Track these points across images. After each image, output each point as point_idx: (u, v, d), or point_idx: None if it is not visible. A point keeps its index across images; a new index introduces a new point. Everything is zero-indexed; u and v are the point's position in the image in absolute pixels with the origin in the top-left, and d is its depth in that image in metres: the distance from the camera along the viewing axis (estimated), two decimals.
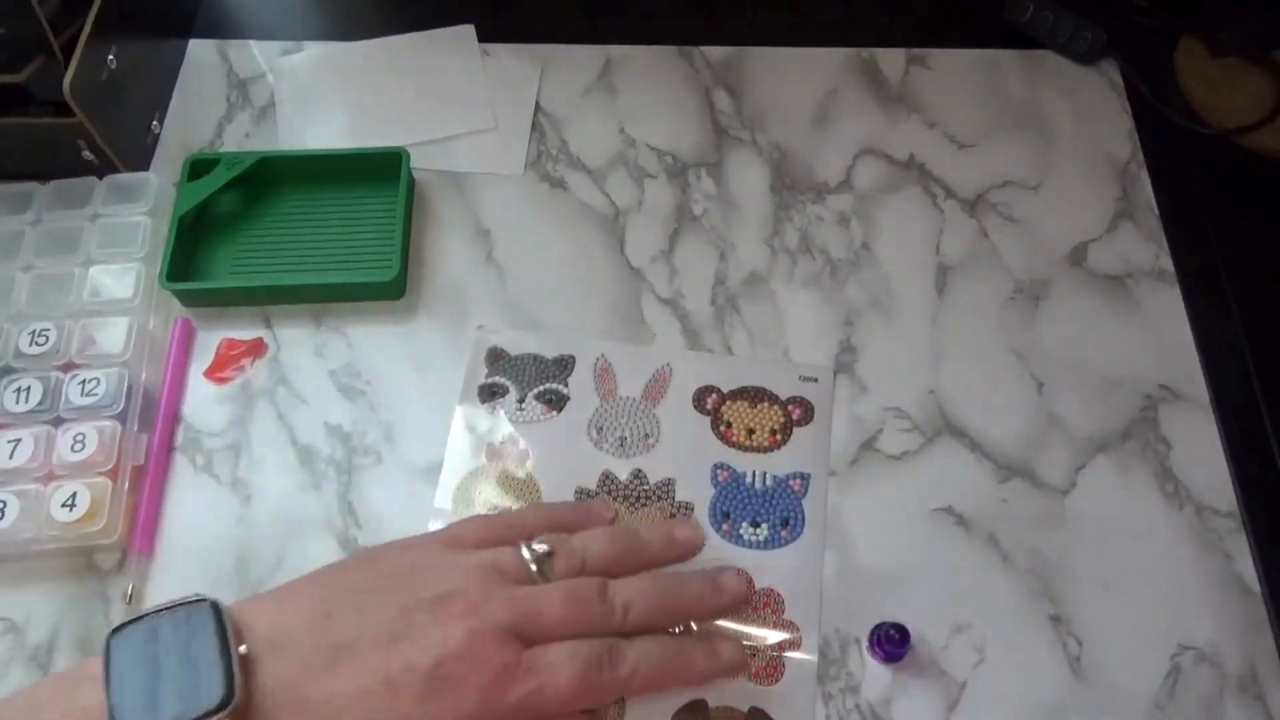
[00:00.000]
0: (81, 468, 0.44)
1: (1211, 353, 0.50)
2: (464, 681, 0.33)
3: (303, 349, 0.50)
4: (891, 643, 0.41)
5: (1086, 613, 0.44)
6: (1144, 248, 0.53)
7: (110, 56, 0.51)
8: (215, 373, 0.49)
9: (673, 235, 0.54)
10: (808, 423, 0.48)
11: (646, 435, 0.47)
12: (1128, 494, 0.47)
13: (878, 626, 0.42)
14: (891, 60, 0.60)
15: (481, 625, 0.34)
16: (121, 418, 0.46)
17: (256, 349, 0.50)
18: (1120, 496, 0.46)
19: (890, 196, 0.55)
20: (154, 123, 0.57)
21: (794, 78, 0.59)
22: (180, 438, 0.48)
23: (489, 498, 0.46)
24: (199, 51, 0.61)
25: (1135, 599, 0.44)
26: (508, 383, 0.49)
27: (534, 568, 0.37)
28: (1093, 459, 0.47)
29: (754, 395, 0.48)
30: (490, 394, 0.48)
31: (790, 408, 0.48)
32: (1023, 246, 0.53)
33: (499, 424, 0.48)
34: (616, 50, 0.60)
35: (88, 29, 0.49)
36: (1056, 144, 0.57)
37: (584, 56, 0.60)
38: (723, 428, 0.47)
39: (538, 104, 0.58)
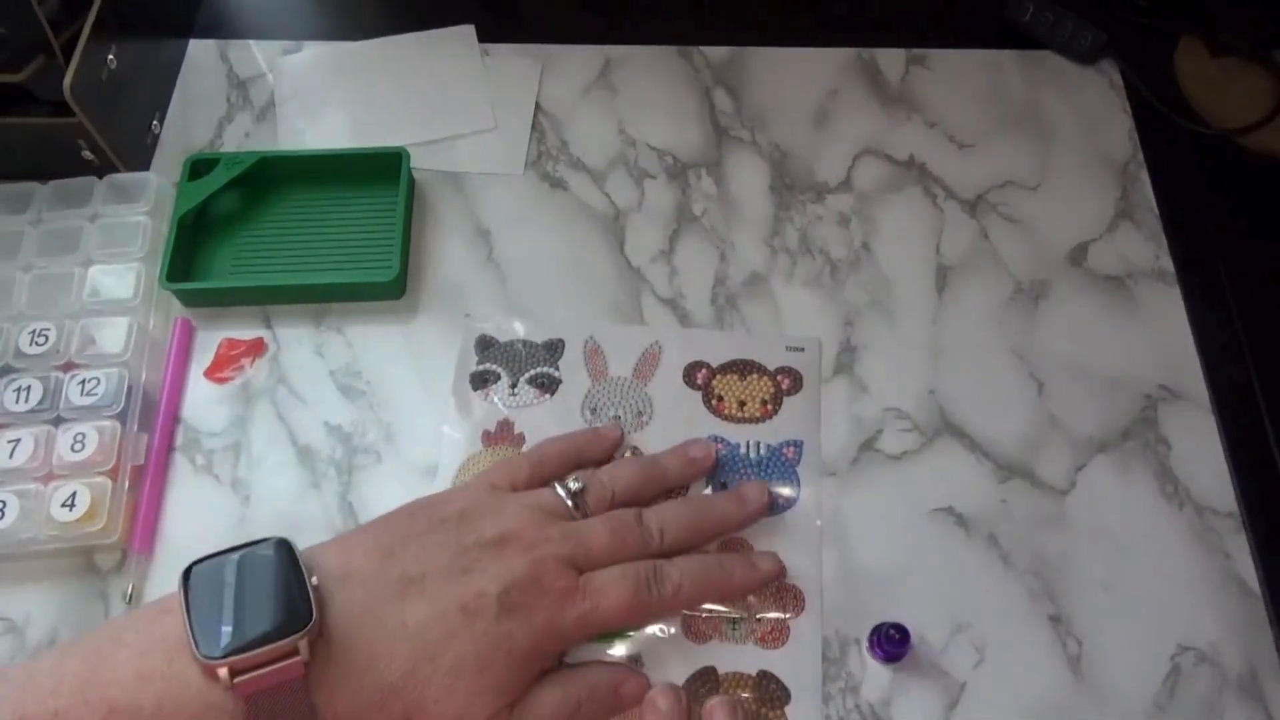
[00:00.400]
0: (81, 468, 0.44)
1: (1211, 353, 0.50)
2: (531, 605, 0.37)
3: (303, 349, 0.50)
4: (891, 643, 0.41)
5: (1086, 613, 0.44)
6: (1144, 248, 0.53)
7: (110, 56, 0.51)
8: (215, 373, 0.49)
9: (673, 235, 0.54)
10: (797, 391, 0.48)
11: (640, 413, 0.48)
12: (1128, 494, 0.47)
13: (878, 627, 0.42)
14: (891, 60, 0.60)
15: (541, 556, 0.38)
16: (121, 418, 0.46)
17: (256, 349, 0.50)
18: (1120, 496, 0.46)
19: (890, 196, 0.55)
20: (154, 123, 0.57)
21: (794, 78, 0.59)
22: (180, 438, 0.48)
23: None
24: (199, 51, 0.61)
25: (1135, 599, 0.44)
26: (499, 369, 0.49)
27: (570, 503, 0.41)
28: (1093, 459, 0.47)
29: (743, 368, 0.49)
30: (482, 381, 0.49)
31: (779, 378, 0.49)
32: (1023, 246, 0.53)
33: (493, 410, 0.48)
34: (616, 50, 0.60)
35: (88, 29, 0.49)
36: (1056, 144, 0.57)
37: (584, 56, 0.60)
38: (714, 401, 0.48)
39: (538, 104, 0.58)
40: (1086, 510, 0.46)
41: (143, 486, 0.46)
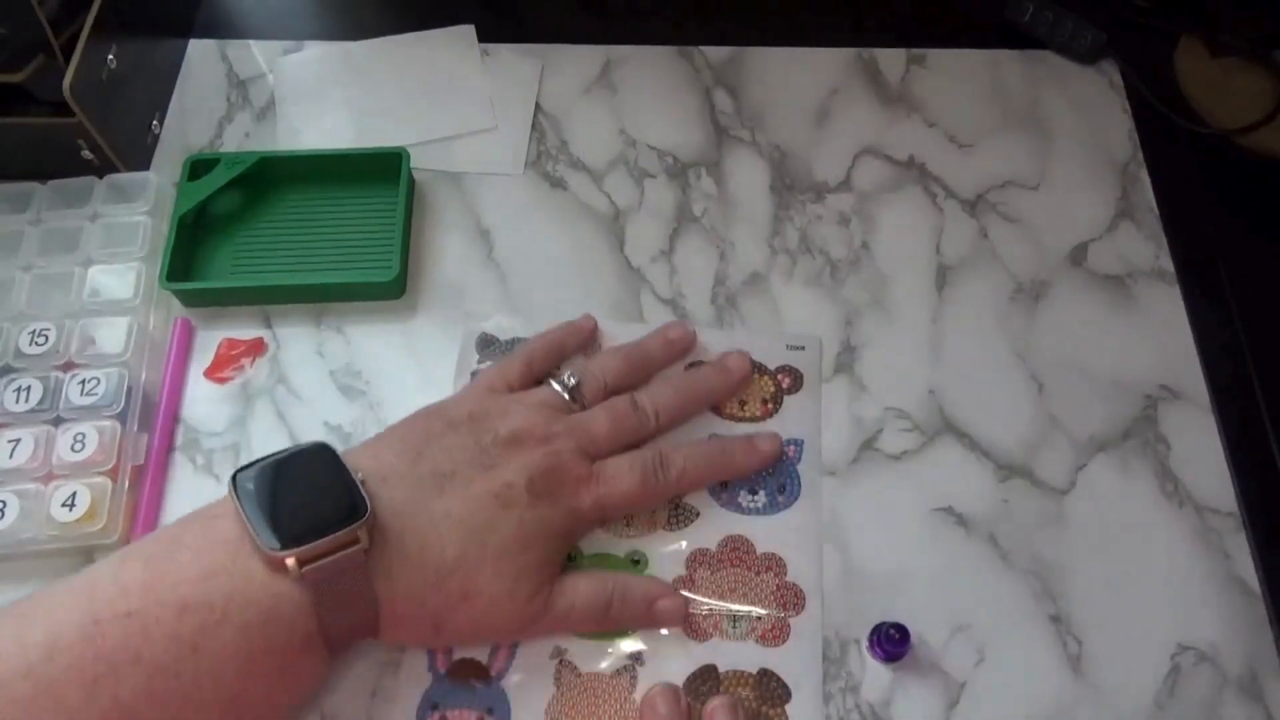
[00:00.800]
0: (81, 467, 0.44)
1: (1211, 353, 0.50)
2: (554, 492, 0.40)
3: (302, 349, 0.50)
4: (891, 643, 0.41)
5: (1086, 613, 0.44)
6: (1144, 248, 0.53)
7: (110, 56, 0.51)
8: (215, 372, 0.49)
9: (673, 235, 0.54)
10: (797, 390, 0.48)
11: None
12: (1128, 494, 0.47)
13: (878, 626, 0.42)
14: (891, 60, 0.60)
15: (556, 449, 0.41)
16: (121, 418, 0.46)
17: (256, 349, 0.50)
18: (1120, 496, 0.46)
19: (890, 196, 0.55)
20: (154, 123, 0.57)
21: (794, 78, 0.59)
22: (180, 437, 0.48)
23: None
24: (199, 51, 0.61)
25: (1135, 599, 0.44)
26: None
27: (568, 397, 0.44)
28: (1093, 459, 0.47)
29: None
30: None
31: (780, 376, 0.49)
32: (1023, 246, 0.53)
33: None
34: (616, 50, 0.60)
35: (88, 29, 0.49)
36: (1056, 144, 0.57)
37: (584, 56, 0.60)
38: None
39: (538, 104, 0.58)
40: (1086, 510, 0.46)
41: (143, 486, 0.46)
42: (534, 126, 0.57)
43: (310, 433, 0.48)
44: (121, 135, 0.53)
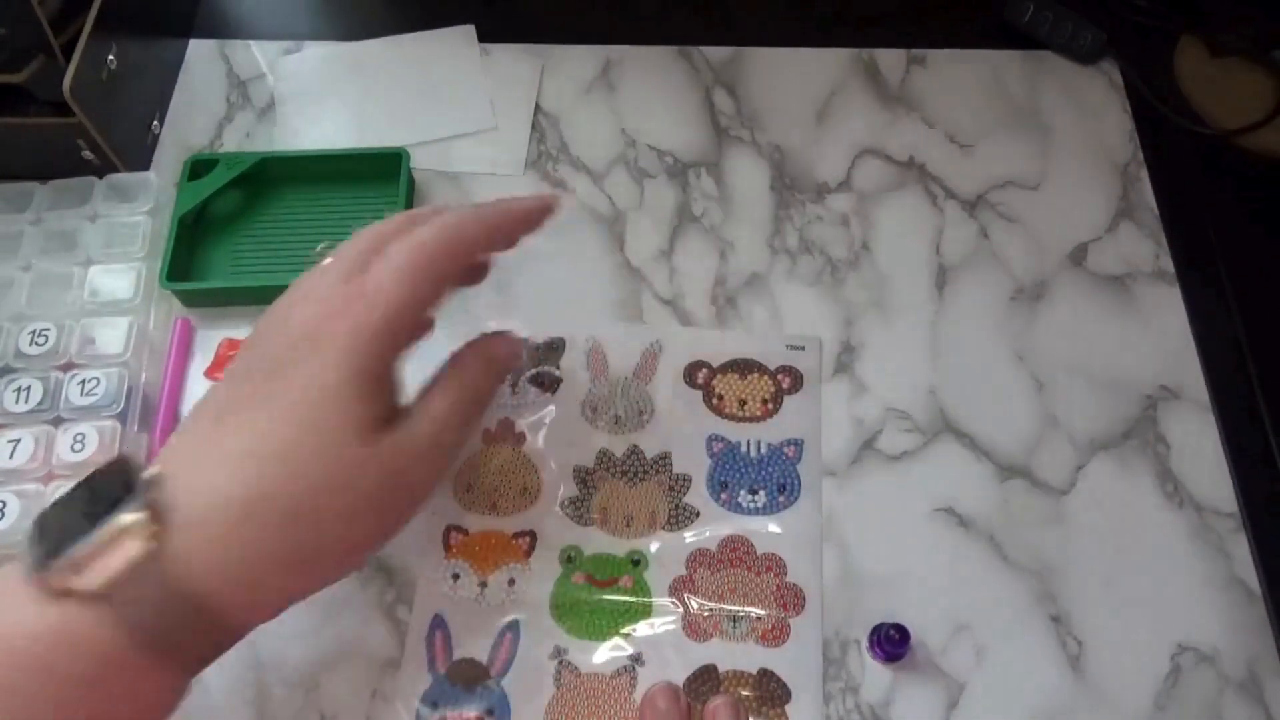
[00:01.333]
0: (81, 468, 0.44)
1: (1211, 353, 0.50)
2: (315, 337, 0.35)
3: None
4: (891, 643, 0.41)
5: (1086, 613, 0.44)
6: (1144, 248, 0.53)
7: (110, 56, 0.51)
8: (215, 372, 0.49)
9: (673, 235, 0.54)
10: (797, 390, 0.48)
11: (640, 412, 0.48)
12: (1128, 494, 0.47)
13: (878, 627, 0.42)
14: (891, 60, 0.60)
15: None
16: (121, 418, 0.46)
17: None
18: (1120, 496, 0.46)
19: (890, 196, 0.55)
20: (154, 123, 0.57)
21: (794, 78, 0.59)
22: None
23: (488, 481, 0.46)
24: (199, 51, 0.61)
25: (1135, 599, 0.44)
26: None
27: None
28: (1093, 459, 0.47)
29: (743, 367, 0.49)
30: None
31: (780, 377, 0.49)
32: (1023, 246, 0.53)
33: (493, 408, 0.48)
34: (616, 50, 0.60)
35: (88, 29, 0.49)
36: (1056, 144, 0.57)
37: (584, 56, 0.60)
38: (715, 400, 0.48)
39: (538, 104, 0.58)
40: (1086, 510, 0.46)
41: None
42: (534, 126, 0.57)
43: None
44: (121, 135, 0.53)
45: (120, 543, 0.30)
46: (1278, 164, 0.56)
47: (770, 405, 0.48)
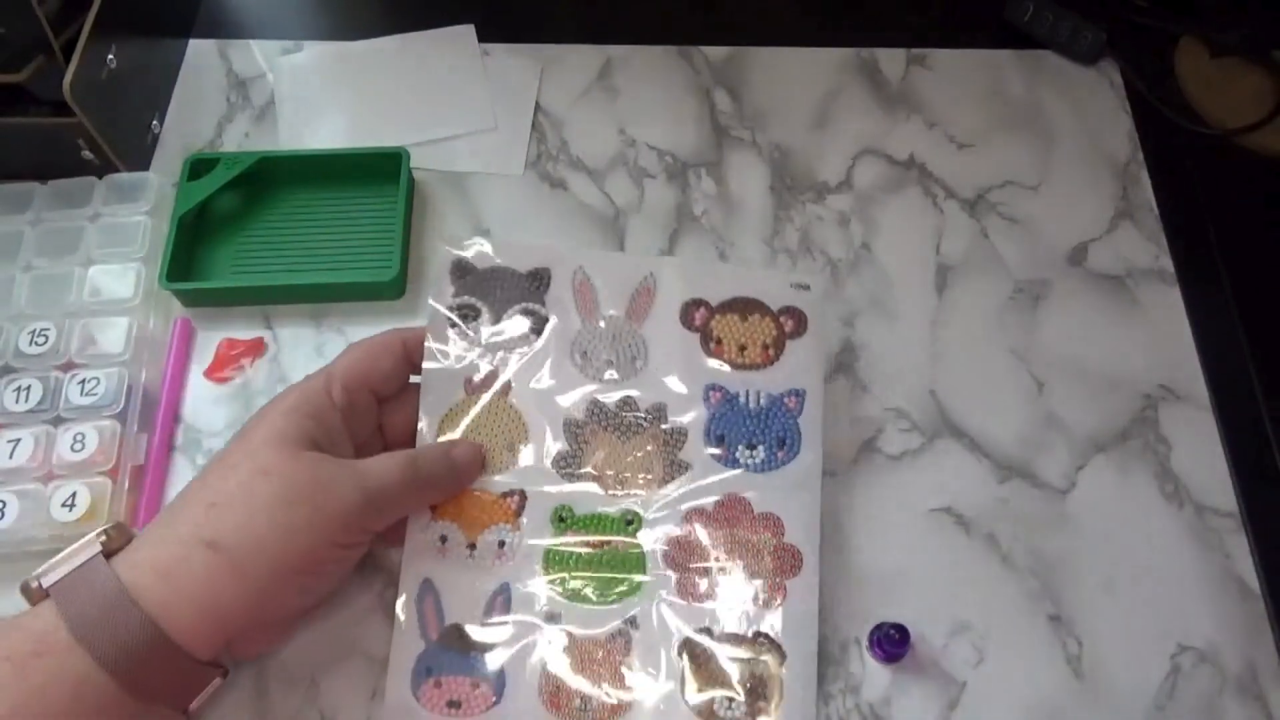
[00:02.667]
0: (81, 467, 0.44)
1: (1211, 353, 0.50)
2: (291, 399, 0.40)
3: (302, 349, 0.50)
4: (891, 643, 0.41)
5: (1086, 613, 0.44)
6: (1144, 248, 0.53)
7: (110, 56, 0.51)
8: (215, 372, 0.49)
9: (673, 235, 0.54)
10: (801, 334, 0.45)
11: (634, 358, 0.45)
12: (1128, 494, 0.47)
13: (877, 627, 0.42)
14: (891, 60, 0.60)
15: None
16: (121, 417, 0.46)
17: (256, 349, 0.50)
18: (1120, 496, 0.46)
19: (890, 196, 0.55)
20: (154, 123, 0.57)
21: (794, 78, 0.59)
22: (180, 437, 0.48)
23: (473, 436, 0.43)
24: (199, 51, 0.61)
25: (1135, 599, 0.44)
26: (478, 303, 0.45)
27: None
28: (1093, 459, 0.47)
29: (744, 307, 0.46)
30: (461, 317, 0.45)
31: (782, 319, 0.45)
32: (1023, 246, 0.53)
33: (474, 352, 0.44)
34: (616, 50, 0.60)
35: (88, 29, 0.49)
36: (1056, 144, 0.57)
37: (584, 56, 0.60)
38: (713, 344, 0.45)
39: (538, 104, 0.58)
40: (1086, 510, 0.46)
41: (143, 486, 0.46)
42: (534, 126, 0.57)
43: None
44: (121, 135, 0.53)
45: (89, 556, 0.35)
46: (1278, 164, 0.56)
47: (771, 351, 0.45)
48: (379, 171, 0.54)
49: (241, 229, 0.53)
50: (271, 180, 0.54)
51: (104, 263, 0.50)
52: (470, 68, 0.59)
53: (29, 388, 0.46)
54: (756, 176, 0.56)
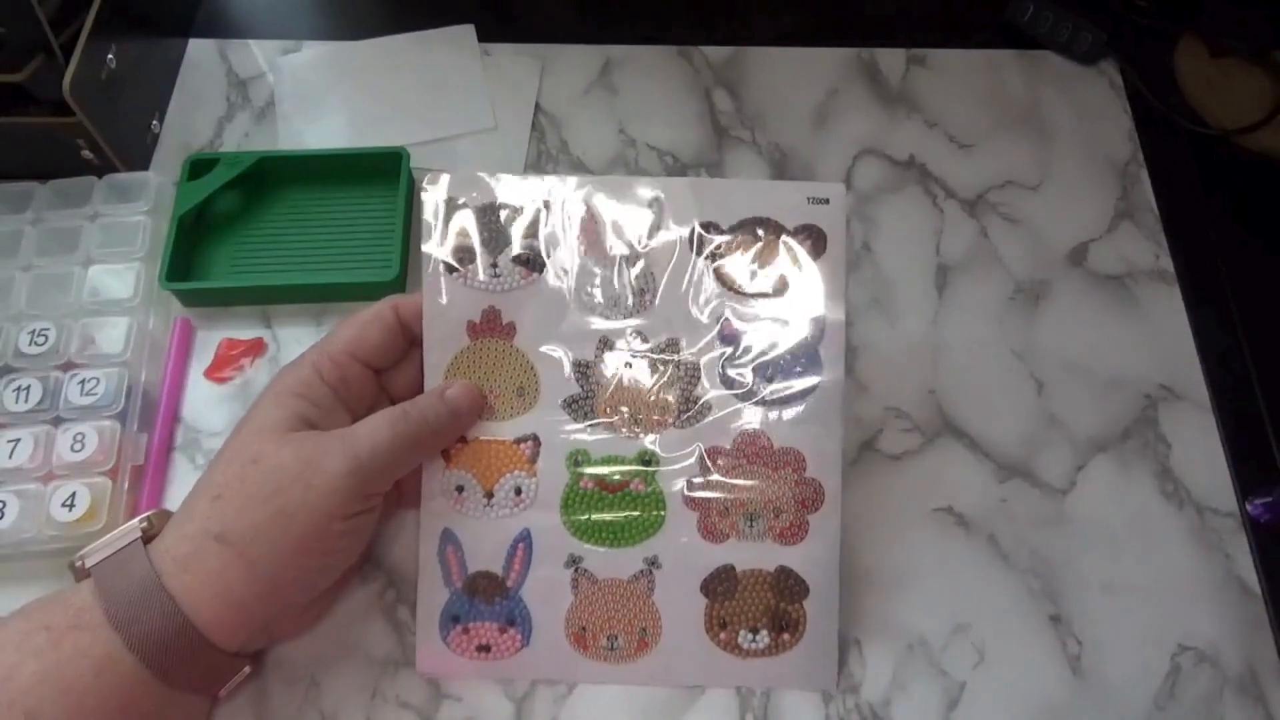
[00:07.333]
0: (81, 467, 0.44)
1: (1211, 353, 0.50)
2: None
3: (302, 349, 0.50)
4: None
5: (1086, 613, 0.44)
6: (1144, 248, 0.53)
7: (110, 56, 0.51)
8: (215, 372, 0.49)
9: None
10: (820, 255, 0.42)
11: (642, 291, 0.43)
12: (1128, 494, 0.47)
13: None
14: (891, 60, 0.60)
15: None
16: (121, 417, 0.46)
17: (256, 348, 0.50)
18: (1120, 496, 0.46)
19: (890, 196, 0.55)
20: (154, 122, 0.57)
21: (794, 78, 0.59)
22: (180, 437, 0.48)
23: (481, 382, 0.42)
24: (199, 51, 0.61)
25: (1135, 599, 0.44)
26: (474, 244, 0.43)
27: None
28: (1093, 459, 0.47)
29: (757, 227, 0.43)
30: (456, 261, 0.42)
31: (800, 238, 0.42)
32: (1023, 246, 0.53)
33: (473, 295, 0.42)
34: (616, 50, 0.60)
35: (88, 29, 0.49)
36: (1056, 144, 0.57)
37: (584, 56, 0.60)
38: (725, 271, 0.43)
39: (538, 104, 0.58)
40: (1086, 510, 0.46)
41: (142, 486, 0.46)
42: (534, 126, 0.57)
43: None
44: (121, 135, 0.53)
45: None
46: (1278, 164, 0.56)
47: (788, 275, 0.42)
48: (379, 171, 0.54)
49: (241, 229, 0.53)
50: (271, 180, 0.54)
51: (104, 262, 0.50)
52: (470, 68, 0.59)
53: (29, 388, 0.46)
54: (756, 176, 0.56)
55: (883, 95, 0.59)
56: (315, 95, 0.58)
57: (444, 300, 0.42)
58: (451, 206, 0.43)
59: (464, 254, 0.43)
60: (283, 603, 0.38)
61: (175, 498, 0.46)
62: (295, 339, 0.50)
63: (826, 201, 0.42)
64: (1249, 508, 0.45)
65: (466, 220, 0.43)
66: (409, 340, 0.43)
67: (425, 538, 0.42)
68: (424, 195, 0.43)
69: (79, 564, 0.37)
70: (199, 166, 0.53)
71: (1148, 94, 0.58)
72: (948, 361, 0.50)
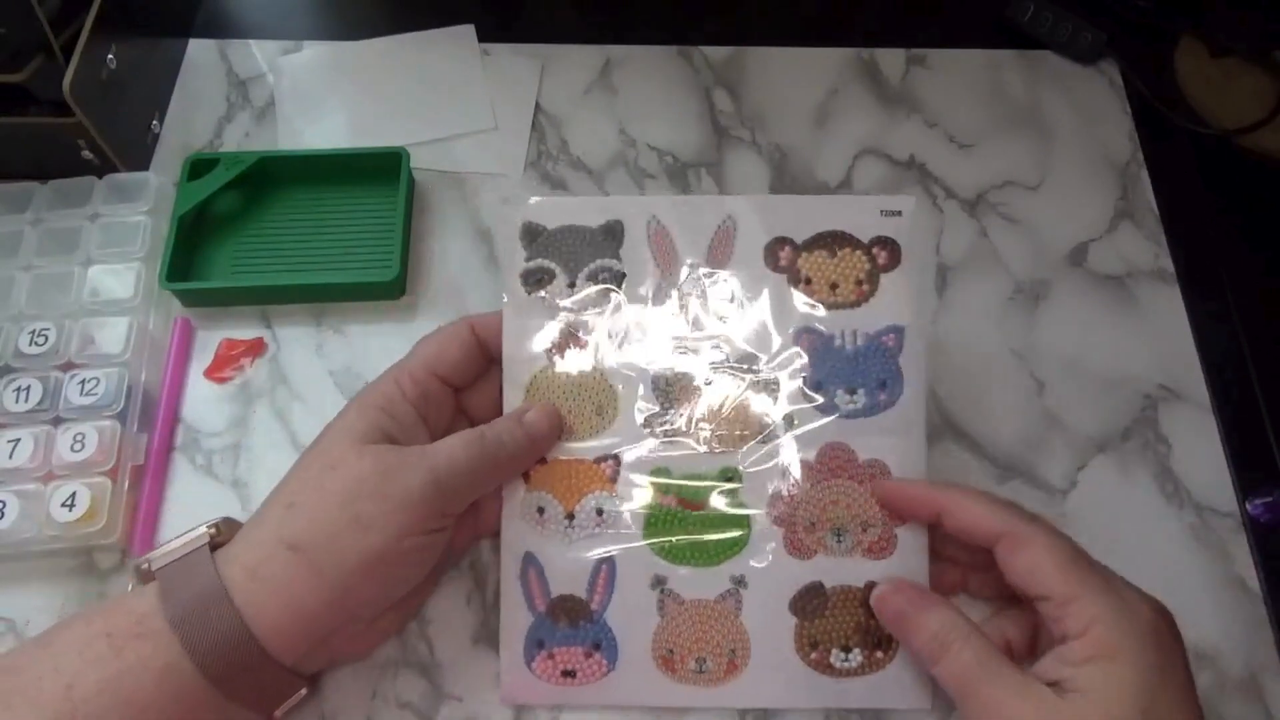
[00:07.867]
0: (81, 467, 0.44)
1: (1211, 353, 0.50)
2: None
3: (302, 348, 0.50)
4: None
5: None
6: (1144, 248, 0.53)
7: (110, 56, 0.51)
8: (215, 372, 0.49)
9: None
10: (895, 266, 0.42)
11: (719, 307, 0.43)
12: (1128, 494, 0.47)
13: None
14: (891, 60, 0.60)
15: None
16: (121, 417, 0.46)
17: (256, 349, 0.50)
18: (1120, 496, 0.46)
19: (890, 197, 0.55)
20: (154, 123, 0.57)
21: (794, 78, 0.59)
22: (180, 437, 0.48)
23: (559, 403, 0.42)
24: (199, 51, 0.61)
25: None
26: (552, 265, 0.43)
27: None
28: (1093, 459, 0.47)
29: (832, 241, 0.43)
30: (536, 281, 0.43)
31: (875, 251, 0.43)
32: (1023, 246, 0.53)
33: (553, 315, 0.43)
34: (616, 50, 0.60)
35: (88, 29, 0.49)
36: (1056, 144, 0.57)
37: (584, 56, 0.60)
38: (802, 284, 0.43)
39: (538, 104, 0.58)
40: (1086, 510, 0.46)
41: (142, 486, 0.46)
42: (534, 126, 0.57)
43: (310, 432, 0.47)
44: (121, 135, 0.53)
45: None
46: (1278, 164, 0.56)
47: (865, 287, 0.42)
48: (379, 171, 0.54)
49: (241, 229, 0.53)
50: (271, 180, 0.54)
51: (104, 262, 0.50)
52: (470, 68, 0.59)
53: (29, 388, 0.46)
54: (756, 176, 0.56)
55: (883, 95, 0.59)
56: (315, 95, 0.58)
57: (524, 321, 0.43)
58: (530, 228, 0.44)
59: (543, 275, 0.43)
60: (346, 616, 0.37)
61: (175, 498, 0.46)
62: (295, 339, 0.50)
63: (899, 214, 0.43)
64: (1249, 508, 0.45)
65: (546, 242, 0.44)
66: (487, 358, 0.43)
67: (507, 561, 0.41)
68: (504, 217, 0.43)
69: (145, 566, 0.36)
70: (199, 166, 0.53)
71: (1148, 94, 0.58)
72: (948, 361, 0.50)
